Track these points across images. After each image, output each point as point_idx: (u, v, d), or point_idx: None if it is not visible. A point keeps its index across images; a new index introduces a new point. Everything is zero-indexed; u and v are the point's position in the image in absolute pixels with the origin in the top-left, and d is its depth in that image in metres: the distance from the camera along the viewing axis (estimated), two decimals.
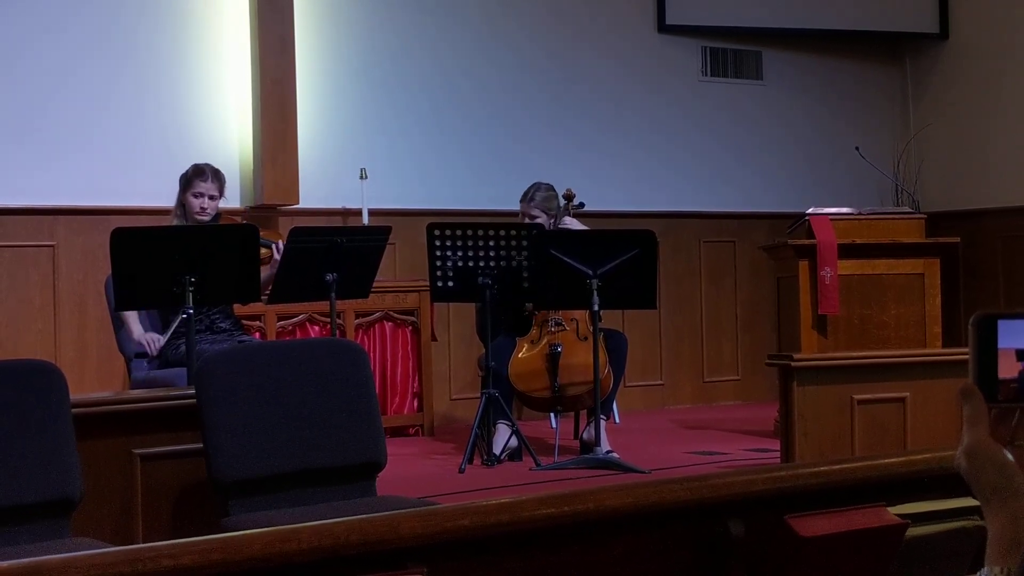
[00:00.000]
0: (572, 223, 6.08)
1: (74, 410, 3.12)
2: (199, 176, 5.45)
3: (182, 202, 5.48)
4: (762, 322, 8.29)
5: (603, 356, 5.73)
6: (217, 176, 5.49)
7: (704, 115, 8.50)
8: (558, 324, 5.99)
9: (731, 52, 8.61)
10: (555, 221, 6.16)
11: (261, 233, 5.05)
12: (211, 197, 5.43)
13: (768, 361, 5.17)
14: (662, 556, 2.07)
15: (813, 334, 6.04)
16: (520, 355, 5.94)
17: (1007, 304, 8.15)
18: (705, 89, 8.52)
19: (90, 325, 6.61)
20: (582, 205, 6.14)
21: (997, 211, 8.34)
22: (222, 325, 5.46)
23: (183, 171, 5.55)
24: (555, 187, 6.26)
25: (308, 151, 7.17)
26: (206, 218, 5.42)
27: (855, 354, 5.31)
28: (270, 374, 3.37)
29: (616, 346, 5.95)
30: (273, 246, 5.51)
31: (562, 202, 6.15)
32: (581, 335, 5.93)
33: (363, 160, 7.16)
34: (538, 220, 6.12)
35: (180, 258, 4.62)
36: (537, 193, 6.20)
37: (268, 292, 5.36)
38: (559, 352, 5.85)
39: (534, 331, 6.00)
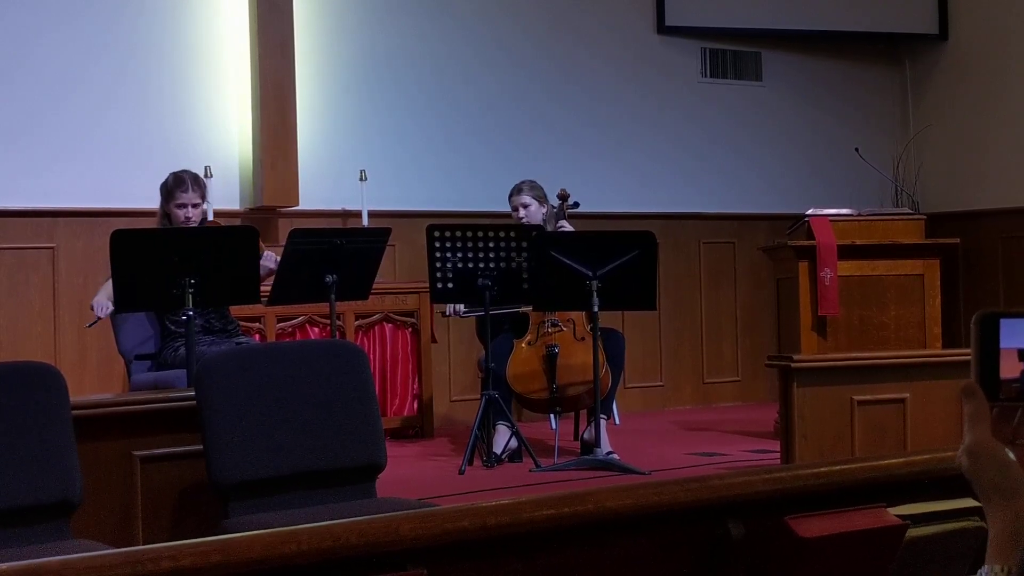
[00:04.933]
0: (566, 226, 6.09)
1: (74, 412, 3.12)
2: (180, 186, 5.36)
3: (166, 212, 5.40)
4: (762, 323, 8.28)
5: (601, 355, 5.72)
6: (197, 183, 5.44)
7: (704, 116, 8.50)
8: (554, 325, 5.98)
9: (730, 53, 8.61)
10: (547, 212, 6.18)
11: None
12: (194, 205, 5.38)
13: (768, 362, 5.17)
14: (662, 557, 2.07)
15: (813, 335, 6.04)
16: (517, 357, 5.93)
17: (1007, 305, 8.15)
18: (705, 90, 8.52)
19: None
20: (577, 205, 6.15)
21: (997, 212, 8.34)
22: (217, 326, 5.45)
23: (163, 180, 5.45)
24: (551, 187, 6.28)
25: (308, 153, 7.18)
26: (192, 226, 5.37)
27: (855, 355, 5.31)
28: (270, 376, 3.37)
29: (614, 345, 5.94)
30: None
31: (556, 202, 6.16)
32: (578, 335, 5.93)
33: (363, 162, 7.17)
34: (531, 208, 6.18)
35: (180, 260, 4.62)
36: (524, 184, 6.27)
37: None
38: (556, 353, 5.85)
39: (531, 333, 6.00)
